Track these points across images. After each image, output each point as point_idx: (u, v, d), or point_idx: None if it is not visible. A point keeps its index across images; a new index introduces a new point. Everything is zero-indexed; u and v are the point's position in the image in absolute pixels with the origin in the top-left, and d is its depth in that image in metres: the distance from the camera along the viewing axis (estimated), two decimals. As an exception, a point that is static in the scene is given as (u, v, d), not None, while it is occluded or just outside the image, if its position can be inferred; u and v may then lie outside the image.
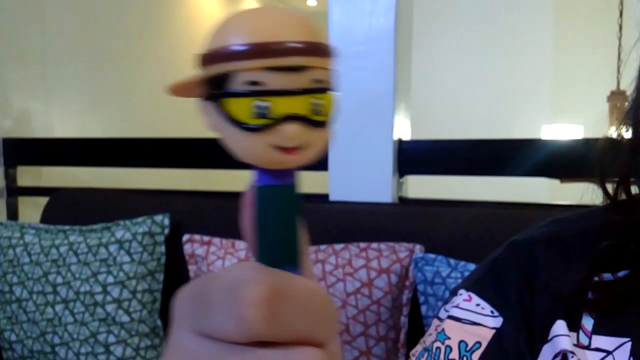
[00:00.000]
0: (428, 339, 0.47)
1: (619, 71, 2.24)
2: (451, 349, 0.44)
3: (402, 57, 1.32)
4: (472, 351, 0.44)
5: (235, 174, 1.05)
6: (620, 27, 2.56)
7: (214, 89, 0.21)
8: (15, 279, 1.32)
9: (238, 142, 0.21)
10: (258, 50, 0.20)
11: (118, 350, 1.23)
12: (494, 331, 0.44)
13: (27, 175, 1.84)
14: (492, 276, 0.47)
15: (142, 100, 2.67)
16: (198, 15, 3.30)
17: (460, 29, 3.50)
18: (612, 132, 0.47)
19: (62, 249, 1.30)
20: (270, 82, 0.20)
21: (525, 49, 3.46)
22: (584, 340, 0.42)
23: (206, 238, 1.25)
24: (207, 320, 0.21)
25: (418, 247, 1.13)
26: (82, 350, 1.24)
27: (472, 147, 1.36)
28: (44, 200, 1.55)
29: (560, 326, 0.42)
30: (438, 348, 0.45)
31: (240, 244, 1.23)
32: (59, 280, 1.27)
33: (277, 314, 0.20)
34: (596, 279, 0.44)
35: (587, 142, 1.22)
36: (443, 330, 0.46)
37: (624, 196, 0.47)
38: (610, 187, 0.47)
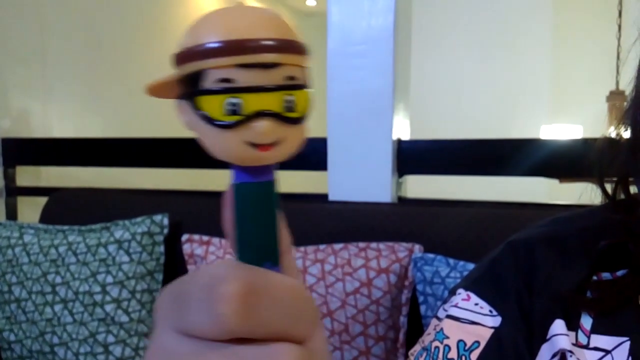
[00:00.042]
0: (427, 338, 0.47)
1: (618, 71, 2.25)
2: (450, 349, 0.44)
3: (401, 57, 1.32)
4: (470, 350, 0.44)
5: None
6: (620, 27, 2.56)
7: (189, 88, 0.21)
8: (14, 279, 1.32)
9: (212, 140, 0.21)
10: (229, 48, 0.20)
11: (117, 350, 1.23)
12: (492, 330, 0.44)
13: (26, 175, 1.84)
14: (491, 276, 0.47)
15: (141, 100, 2.66)
16: (198, 15, 3.29)
17: (460, 29, 3.50)
18: (611, 132, 0.47)
19: (61, 249, 1.30)
20: (242, 79, 0.20)
21: (525, 49, 3.47)
22: (582, 339, 0.42)
23: (205, 238, 1.25)
24: (185, 318, 0.21)
25: (417, 247, 1.13)
26: (81, 350, 1.24)
27: (471, 147, 1.35)
28: (43, 200, 1.55)
29: (559, 325, 0.42)
30: (437, 347, 0.45)
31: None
32: (58, 280, 1.27)
33: (252, 310, 0.20)
34: (595, 278, 0.44)
35: (586, 142, 1.22)
36: (442, 329, 0.46)
37: (622, 196, 0.47)
38: (609, 187, 0.47)
